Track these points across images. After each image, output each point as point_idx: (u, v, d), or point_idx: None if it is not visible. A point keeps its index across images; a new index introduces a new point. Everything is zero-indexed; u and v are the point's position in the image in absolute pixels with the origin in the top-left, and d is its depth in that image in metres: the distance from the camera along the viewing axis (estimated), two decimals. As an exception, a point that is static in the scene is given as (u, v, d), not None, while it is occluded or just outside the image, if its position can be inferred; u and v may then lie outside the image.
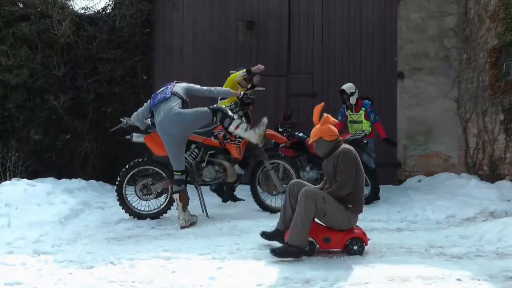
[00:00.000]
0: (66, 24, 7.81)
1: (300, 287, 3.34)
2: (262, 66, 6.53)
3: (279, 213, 4.37)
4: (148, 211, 5.63)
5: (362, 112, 6.91)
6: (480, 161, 7.67)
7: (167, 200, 5.63)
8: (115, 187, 5.64)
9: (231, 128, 5.22)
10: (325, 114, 4.26)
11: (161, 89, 5.37)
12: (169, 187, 5.55)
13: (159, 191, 5.61)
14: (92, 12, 8.33)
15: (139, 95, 8.08)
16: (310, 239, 4.03)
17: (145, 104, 5.53)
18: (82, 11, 8.29)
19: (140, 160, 5.72)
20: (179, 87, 5.32)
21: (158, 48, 8.56)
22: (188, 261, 3.91)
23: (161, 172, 5.62)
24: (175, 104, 5.11)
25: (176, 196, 5.21)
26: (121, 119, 5.85)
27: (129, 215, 5.60)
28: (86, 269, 3.76)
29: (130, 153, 7.58)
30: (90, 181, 7.56)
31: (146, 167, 5.65)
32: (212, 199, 6.27)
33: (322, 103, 4.38)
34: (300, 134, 6.59)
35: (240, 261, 3.91)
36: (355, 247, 4.06)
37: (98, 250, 4.26)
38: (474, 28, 7.93)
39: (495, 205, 5.78)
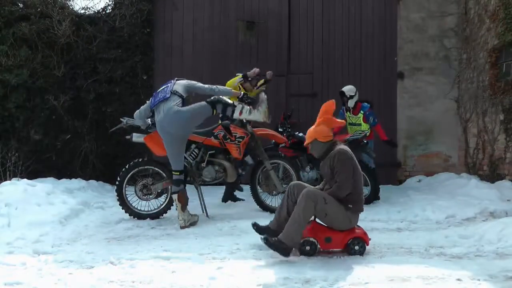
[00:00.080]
0: (66, 24, 7.81)
1: (300, 287, 3.34)
2: (258, 70, 6.55)
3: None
4: (148, 211, 5.63)
5: (360, 115, 6.90)
6: (480, 161, 7.67)
7: (167, 200, 5.63)
8: (115, 187, 5.64)
9: (236, 115, 5.21)
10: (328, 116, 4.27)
11: (161, 88, 5.35)
12: (169, 187, 5.55)
13: (159, 191, 5.61)
14: (92, 12, 8.33)
15: (139, 95, 8.08)
16: (312, 239, 4.04)
17: (147, 102, 5.53)
18: (82, 11, 8.30)
19: (140, 160, 5.72)
20: (179, 84, 5.30)
21: (158, 48, 8.56)
22: (188, 261, 3.91)
23: (161, 172, 5.62)
24: (175, 103, 5.10)
25: (175, 197, 5.21)
26: (121, 119, 5.84)
27: (129, 215, 5.60)
28: (86, 269, 3.77)
29: (130, 153, 7.57)
30: (90, 181, 7.56)
31: (146, 167, 5.65)
32: (212, 199, 6.27)
33: (333, 100, 4.39)
34: (300, 134, 6.58)
35: (240, 261, 3.91)
36: (357, 247, 4.06)
37: (98, 250, 4.26)
38: (474, 28, 7.93)
39: (495, 205, 5.78)
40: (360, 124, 6.91)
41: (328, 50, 8.61)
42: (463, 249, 4.23)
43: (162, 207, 5.65)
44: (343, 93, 6.93)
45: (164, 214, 5.65)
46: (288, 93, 8.53)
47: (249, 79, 6.44)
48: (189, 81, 5.42)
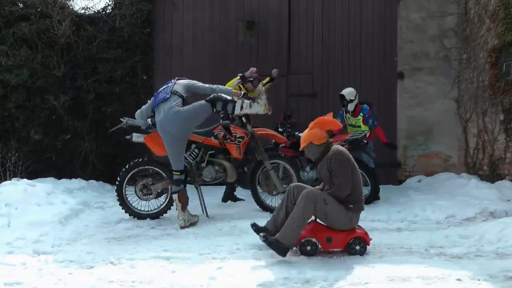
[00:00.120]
0: (66, 24, 7.81)
1: (300, 287, 3.34)
2: (255, 69, 6.57)
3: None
4: (148, 211, 5.64)
5: (360, 117, 6.90)
6: (480, 161, 7.67)
7: (167, 200, 5.63)
8: (115, 187, 5.64)
9: (237, 111, 5.21)
10: (320, 118, 4.26)
11: (162, 88, 5.35)
12: (169, 187, 5.55)
13: (159, 191, 5.61)
14: (92, 12, 8.33)
15: (139, 95, 8.09)
16: (313, 239, 4.04)
17: (148, 101, 5.53)
18: (82, 11, 8.29)
19: (140, 160, 5.72)
20: (180, 84, 5.30)
21: (158, 48, 8.55)
22: (188, 261, 3.91)
23: (161, 172, 5.62)
24: (175, 103, 5.10)
25: (175, 196, 5.21)
26: (121, 119, 5.85)
27: (129, 215, 5.60)
28: (86, 269, 3.77)
29: (130, 153, 7.57)
30: (90, 181, 7.56)
31: (146, 167, 5.65)
32: (212, 199, 6.27)
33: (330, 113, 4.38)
34: (300, 134, 6.57)
35: (240, 261, 3.91)
36: (357, 247, 4.06)
37: (98, 250, 4.27)
38: (474, 28, 7.93)
39: (495, 205, 5.78)
40: (359, 126, 6.91)
41: (328, 50, 8.61)
42: (463, 249, 4.24)
43: (162, 207, 5.65)
44: (343, 96, 6.92)
45: (164, 214, 5.65)
46: (288, 93, 8.53)
47: (251, 79, 6.42)
48: (189, 80, 5.42)
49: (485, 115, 7.49)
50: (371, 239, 4.15)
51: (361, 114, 6.89)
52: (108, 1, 8.37)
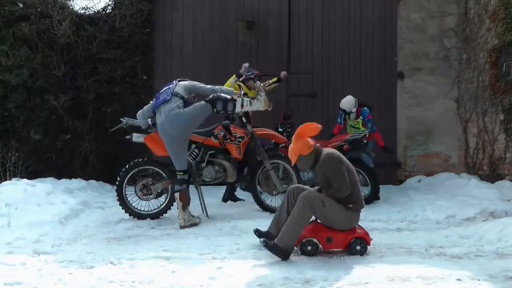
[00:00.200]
0: (66, 24, 7.81)
1: (300, 287, 3.34)
2: (247, 64, 6.64)
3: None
4: (148, 211, 5.64)
5: (360, 120, 6.91)
6: (480, 161, 7.67)
7: (167, 200, 5.63)
8: (115, 187, 5.64)
9: (238, 109, 5.22)
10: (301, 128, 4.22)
11: (163, 89, 5.35)
12: (169, 187, 5.56)
13: (159, 191, 5.61)
14: (92, 12, 8.33)
15: (139, 95, 8.09)
16: (314, 239, 4.03)
17: (150, 102, 5.54)
18: (82, 11, 8.30)
19: (140, 160, 5.72)
20: (181, 86, 5.30)
21: (158, 48, 8.55)
22: (188, 261, 3.91)
23: (161, 172, 5.63)
24: (176, 104, 5.10)
25: (177, 195, 5.21)
26: (121, 119, 5.85)
27: (129, 215, 5.60)
28: (86, 269, 3.77)
29: (130, 153, 7.57)
30: (90, 181, 7.56)
31: (146, 167, 5.65)
32: (212, 199, 6.27)
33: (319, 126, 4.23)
34: (300, 134, 6.57)
35: (240, 261, 3.91)
36: (358, 247, 4.06)
37: (98, 250, 4.26)
38: (474, 28, 7.93)
39: (495, 205, 5.78)
40: (359, 128, 6.91)
41: (328, 50, 8.60)
42: (463, 249, 4.23)
43: (162, 207, 5.65)
44: (344, 110, 6.90)
45: (164, 214, 5.65)
46: (288, 93, 8.52)
47: (252, 76, 6.48)
48: (190, 82, 5.42)
49: (485, 115, 7.49)
50: (371, 239, 4.14)
51: (361, 117, 6.89)
52: (108, 1, 8.40)
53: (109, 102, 8.11)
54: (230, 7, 8.58)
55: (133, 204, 5.62)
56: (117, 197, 5.59)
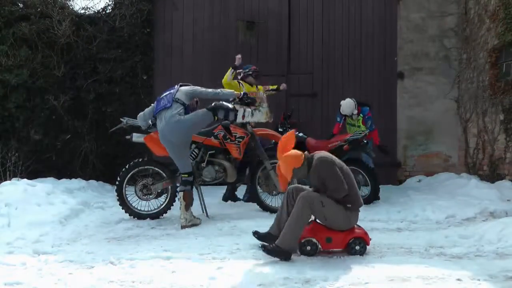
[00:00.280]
0: (66, 24, 7.81)
1: (300, 287, 3.34)
2: (239, 55, 6.68)
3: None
4: (148, 211, 5.64)
5: (360, 118, 6.92)
6: (480, 161, 7.67)
7: (167, 200, 5.64)
8: (115, 187, 5.64)
9: (239, 119, 5.25)
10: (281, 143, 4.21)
11: (164, 94, 5.34)
12: (169, 187, 5.56)
13: (159, 191, 5.61)
14: (92, 12, 8.34)
15: (139, 95, 8.10)
16: (313, 239, 4.04)
17: (152, 105, 5.54)
18: (82, 11, 8.30)
19: (140, 160, 5.72)
20: (182, 92, 5.27)
21: (158, 48, 8.56)
22: (188, 261, 3.91)
23: (161, 172, 5.63)
24: (176, 111, 5.10)
25: (180, 194, 5.22)
26: (121, 119, 5.85)
27: (129, 215, 5.61)
28: (86, 269, 3.77)
29: (130, 153, 7.57)
30: (90, 181, 7.56)
31: (146, 167, 5.66)
32: (212, 199, 6.27)
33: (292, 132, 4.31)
34: (300, 134, 6.59)
35: (240, 261, 3.91)
36: (357, 247, 4.06)
37: (98, 250, 4.27)
38: (474, 28, 7.93)
39: (495, 205, 5.78)
40: (359, 126, 6.92)
41: (328, 50, 8.60)
42: (463, 249, 4.23)
43: (162, 207, 5.65)
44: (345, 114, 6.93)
45: (164, 214, 5.65)
46: (288, 93, 8.50)
47: (249, 73, 6.65)
48: (192, 87, 5.39)
49: (485, 115, 7.49)
50: (370, 239, 4.14)
51: (361, 115, 6.90)
52: (108, 1, 8.40)
53: (109, 102, 8.11)
54: (230, 7, 8.58)
55: (133, 204, 5.62)
56: (117, 197, 5.59)
